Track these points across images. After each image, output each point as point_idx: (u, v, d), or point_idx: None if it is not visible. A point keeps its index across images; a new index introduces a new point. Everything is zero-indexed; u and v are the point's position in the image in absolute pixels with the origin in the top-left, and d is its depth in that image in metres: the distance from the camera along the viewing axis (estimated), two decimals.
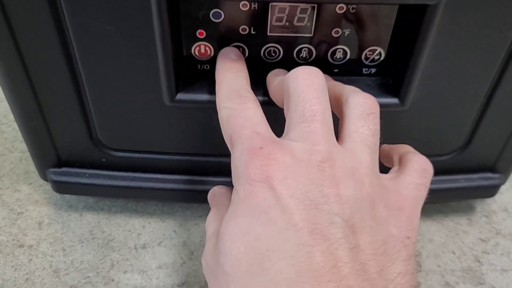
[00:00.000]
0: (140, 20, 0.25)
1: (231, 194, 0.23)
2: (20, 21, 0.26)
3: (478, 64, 0.28)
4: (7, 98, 0.31)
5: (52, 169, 0.35)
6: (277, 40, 0.29)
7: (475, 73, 0.29)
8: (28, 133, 0.33)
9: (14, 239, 0.37)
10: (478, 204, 0.42)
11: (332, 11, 0.27)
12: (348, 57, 0.29)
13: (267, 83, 0.28)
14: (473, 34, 0.27)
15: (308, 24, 0.28)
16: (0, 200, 0.40)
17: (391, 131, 0.26)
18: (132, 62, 0.28)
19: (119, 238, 0.38)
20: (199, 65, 0.30)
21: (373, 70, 0.30)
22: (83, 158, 0.35)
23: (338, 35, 0.28)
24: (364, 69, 0.30)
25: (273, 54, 0.29)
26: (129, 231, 0.38)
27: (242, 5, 0.27)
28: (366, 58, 0.30)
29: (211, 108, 0.28)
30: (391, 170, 0.26)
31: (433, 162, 0.26)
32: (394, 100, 0.29)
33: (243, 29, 0.28)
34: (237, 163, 0.22)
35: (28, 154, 0.37)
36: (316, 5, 0.27)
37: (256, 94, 0.25)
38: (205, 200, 0.30)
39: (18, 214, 0.39)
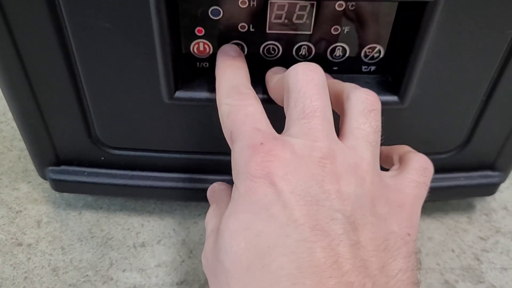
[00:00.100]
0: (138, 18, 0.25)
1: (231, 190, 0.23)
2: (19, 20, 0.26)
3: (478, 61, 0.28)
4: (5, 97, 0.31)
5: (50, 168, 0.35)
6: (276, 37, 0.28)
7: (474, 70, 0.29)
8: (26, 131, 0.33)
9: (12, 238, 0.37)
10: (478, 202, 0.42)
11: (331, 8, 0.27)
12: (347, 54, 0.29)
13: (266, 81, 0.28)
14: (473, 32, 0.27)
15: (307, 21, 0.28)
16: None
17: (391, 129, 0.26)
18: (130, 60, 0.28)
19: (118, 236, 0.37)
20: (198, 63, 0.30)
21: (373, 68, 0.30)
22: (82, 157, 0.35)
23: (337, 32, 0.28)
24: (363, 67, 0.30)
25: (272, 52, 0.29)
26: (128, 229, 0.38)
27: (241, 3, 0.27)
28: (366, 56, 0.30)
29: (210, 106, 0.28)
30: (392, 168, 0.26)
31: (432, 160, 0.26)
32: (394, 98, 0.29)
33: (242, 27, 0.28)
34: (237, 159, 0.22)
35: (26, 152, 0.37)
36: (315, 3, 0.27)
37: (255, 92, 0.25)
38: (204, 199, 0.30)
39: (17, 212, 0.39)
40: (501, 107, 0.31)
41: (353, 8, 0.27)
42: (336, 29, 0.28)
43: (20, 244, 0.36)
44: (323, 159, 0.21)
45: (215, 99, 0.26)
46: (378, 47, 0.29)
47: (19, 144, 0.45)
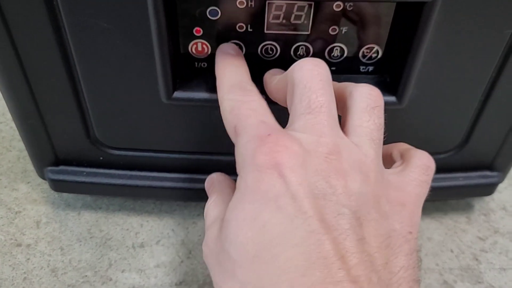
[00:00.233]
0: (136, 18, 0.25)
1: (231, 181, 0.23)
2: (17, 20, 0.26)
3: (476, 61, 0.28)
4: (4, 97, 0.31)
5: (49, 168, 0.35)
6: (274, 38, 0.29)
7: (473, 70, 0.29)
8: (25, 131, 0.33)
9: (11, 238, 0.37)
10: (476, 202, 0.42)
11: (329, 8, 0.27)
12: (345, 55, 0.29)
13: (265, 83, 0.28)
14: (471, 32, 0.27)
15: (305, 21, 0.28)
16: None
17: (389, 129, 0.26)
18: (129, 60, 0.28)
19: (117, 237, 0.37)
20: (196, 63, 0.30)
21: (371, 68, 0.30)
22: (81, 157, 0.35)
23: (335, 32, 0.28)
24: (361, 67, 0.30)
25: (270, 52, 0.29)
26: (127, 229, 0.38)
27: (239, 3, 0.27)
28: (364, 56, 0.30)
29: (208, 106, 0.28)
30: (394, 165, 0.26)
31: None
32: (392, 98, 0.29)
33: (240, 27, 0.28)
34: (243, 150, 0.22)
35: (25, 153, 0.37)
36: (313, 3, 0.27)
37: None
38: (203, 199, 0.30)
39: (16, 213, 0.39)
40: (500, 107, 0.31)
41: (351, 8, 0.27)
42: (334, 30, 0.28)
43: (19, 245, 0.36)
44: (329, 154, 0.21)
45: (214, 99, 0.26)
46: (376, 47, 0.29)
47: (18, 145, 0.45)
